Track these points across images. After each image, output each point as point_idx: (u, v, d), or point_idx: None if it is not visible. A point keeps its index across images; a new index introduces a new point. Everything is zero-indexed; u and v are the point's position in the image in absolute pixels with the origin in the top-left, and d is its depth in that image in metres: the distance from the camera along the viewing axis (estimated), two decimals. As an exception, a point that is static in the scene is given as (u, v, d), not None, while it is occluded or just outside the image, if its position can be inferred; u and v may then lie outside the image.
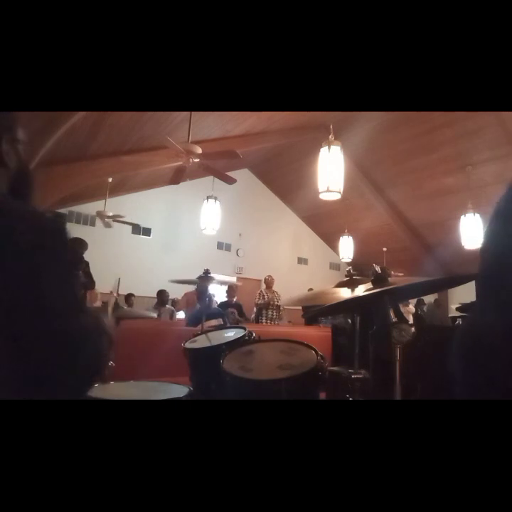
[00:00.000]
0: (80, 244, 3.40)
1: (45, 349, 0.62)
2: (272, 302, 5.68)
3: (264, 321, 5.62)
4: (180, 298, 5.67)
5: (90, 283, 3.87)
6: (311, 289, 5.49)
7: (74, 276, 0.68)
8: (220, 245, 8.50)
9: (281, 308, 5.77)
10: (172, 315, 5.61)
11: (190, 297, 5.12)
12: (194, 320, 3.77)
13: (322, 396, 1.44)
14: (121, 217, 6.20)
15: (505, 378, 0.57)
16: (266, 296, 5.70)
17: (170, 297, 6.04)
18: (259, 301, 5.67)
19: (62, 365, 0.65)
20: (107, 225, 6.43)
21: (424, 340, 1.94)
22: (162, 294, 5.80)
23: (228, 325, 3.19)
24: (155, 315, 4.75)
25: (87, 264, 3.96)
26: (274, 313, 5.72)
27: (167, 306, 5.78)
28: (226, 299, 5.57)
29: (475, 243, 5.68)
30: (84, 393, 0.72)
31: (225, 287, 5.60)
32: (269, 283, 5.90)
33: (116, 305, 2.02)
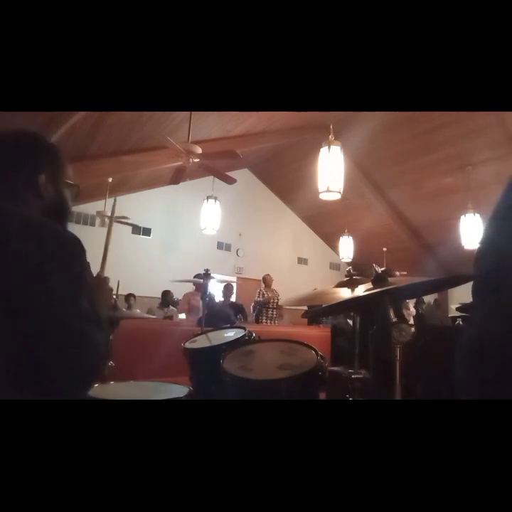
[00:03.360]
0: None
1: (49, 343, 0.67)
2: (271, 301, 5.67)
3: (264, 320, 5.61)
4: (180, 298, 5.66)
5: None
6: (316, 289, 5.48)
7: (83, 283, 0.75)
8: (220, 245, 8.50)
9: (281, 307, 5.76)
10: (176, 316, 5.60)
11: (190, 297, 5.12)
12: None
13: (322, 396, 1.43)
14: (126, 218, 6.18)
15: (506, 381, 0.57)
16: (265, 295, 5.69)
17: (174, 298, 6.03)
18: (259, 299, 5.66)
19: (60, 365, 0.69)
20: (103, 224, 6.40)
21: (424, 340, 1.94)
22: (167, 295, 5.78)
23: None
24: (154, 317, 4.74)
25: (88, 264, 4.01)
26: (275, 313, 5.71)
27: (171, 307, 5.76)
28: (223, 299, 5.56)
29: (475, 243, 5.67)
30: (78, 394, 0.75)
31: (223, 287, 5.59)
32: (267, 282, 5.89)
33: (116, 307, 2.02)
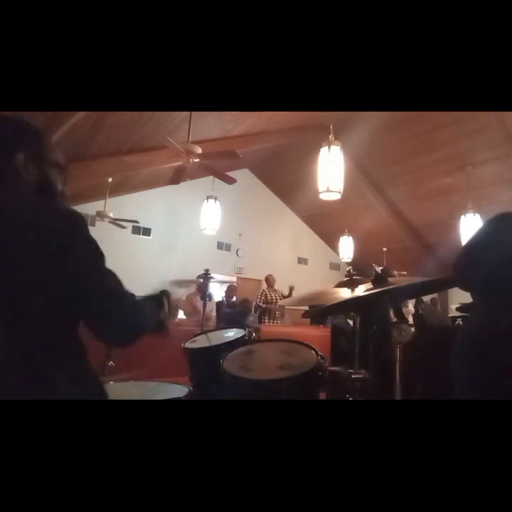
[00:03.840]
0: None
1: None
2: (275, 301, 5.67)
3: (267, 320, 5.61)
4: (182, 299, 5.66)
5: None
6: (292, 287, 5.53)
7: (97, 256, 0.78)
8: (220, 245, 8.49)
9: (283, 306, 5.76)
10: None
11: (192, 298, 5.12)
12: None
13: (322, 396, 1.43)
14: (123, 220, 6.19)
15: (505, 379, 0.57)
16: (269, 296, 5.69)
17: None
18: (260, 302, 5.66)
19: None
20: (120, 226, 6.41)
21: (424, 340, 1.94)
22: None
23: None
24: None
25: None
26: (278, 313, 5.72)
27: None
28: (225, 300, 5.57)
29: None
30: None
31: (225, 287, 5.60)
32: (270, 282, 5.89)
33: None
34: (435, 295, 7.22)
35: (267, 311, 5.64)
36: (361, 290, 1.35)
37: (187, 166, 4.34)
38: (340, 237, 8.08)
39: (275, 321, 5.65)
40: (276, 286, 5.95)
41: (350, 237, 7.98)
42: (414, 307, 5.42)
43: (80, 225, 0.75)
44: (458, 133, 5.81)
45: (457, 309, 3.28)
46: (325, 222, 9.27)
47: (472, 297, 1.21)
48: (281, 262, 8.85)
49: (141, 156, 5.35)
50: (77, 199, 6.44)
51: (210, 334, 1.89)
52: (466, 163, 6.21)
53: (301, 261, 9.77)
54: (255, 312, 5.78)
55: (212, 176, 5.42)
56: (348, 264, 7.07)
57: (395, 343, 1.10)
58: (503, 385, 0.66)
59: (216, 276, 2.62)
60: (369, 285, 1.31)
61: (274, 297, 5.69)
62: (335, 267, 10.06)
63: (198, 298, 4.88)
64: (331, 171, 3.45)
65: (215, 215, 6.00)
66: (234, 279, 7.49)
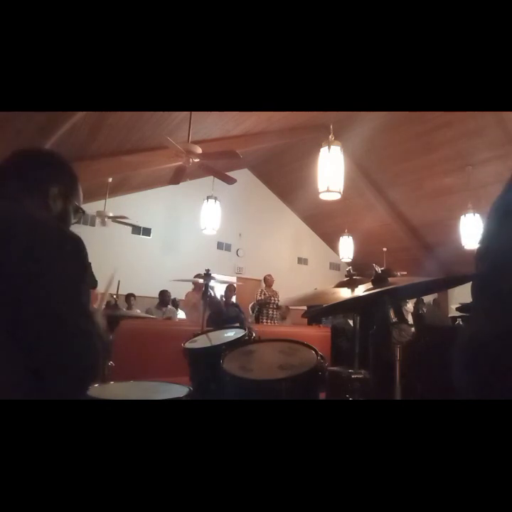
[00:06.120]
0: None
1: (45, 347, 0.67)
2: (272, 300, 5.68)
3: (264, 320, 5.61)
4: (181, 298, 5.67)
5: (92, 282, 3.94)
6: (316, 289, 5.54)
7: (83, 282, 0.78)
8: (220, 245, 8.50)
9: (285, 308, 5.77)
10: (174, 315, 5.61)
11: (191, 297, 5.12)
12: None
13: (322, 396, 1.44)
14: (125, 218, 6.19)
15: (505, 382, 0.57)
16: (266, 294, 5.71)
17: (171, 297, 6.05)
18: (260, 298, 5.68)
19: (61, 363, 0.69)
20: (103, 223, 6.41)
21: (424, 340, 1.94)
22: (164, 295, 5.80)
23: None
24: (153, 316, 4.75)
25: (89, 264, 4.06)
26: (275, 312, 5.72)
27: (169, 306, 5.78)
28: (224, 299, 5.57)
29: (475, 243, 5.68)
30: (78, 394, 0.75)
31: (224, 287, 5.60)
32: (268, 282, 5.91)
33: (116, 306, 2.03)
34: (437, 296, 7.23)
35: (265, 311, 5.65)
36: (361, 290, 1.35)
37: (187, 166, 4.35)
38: (340, 237, 8.10)
39: (273, 321, 5.66)
40: (275, 286, 5.97)
41: (350, 237, 8.00)
42: (414, 307, 5.42)
43: (77, 253, 0.77)
44: (458, 133, 5.82)
45: (457, 309, 3.29)
46: (325, 222, 9.28)
47: (472, 297, 1.21)
48: (281, 262, 8.86)
49: (141, 156, 5.36)
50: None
51: (210, 334, 1.89)
52: (466, 163, 6.22)
53: (301, 261, 9.77)
54: (252, 313, 5.78)
55: (212, 176, 5.42)
56: (348, 264, 7.07)
57: (395, 343, 1.10)
58: (503, 385, 0.66)
59: (216, 276, 2.62)
60: (369, 285, 1.32)
61: (270, 296, 5.71)
62: (335, 267, 10.06)
63: (197, 296, 4.88)
64: (330, 171, 3.45)
65: (215, 215, 6.00)
66: (234, 279, 7.49)
